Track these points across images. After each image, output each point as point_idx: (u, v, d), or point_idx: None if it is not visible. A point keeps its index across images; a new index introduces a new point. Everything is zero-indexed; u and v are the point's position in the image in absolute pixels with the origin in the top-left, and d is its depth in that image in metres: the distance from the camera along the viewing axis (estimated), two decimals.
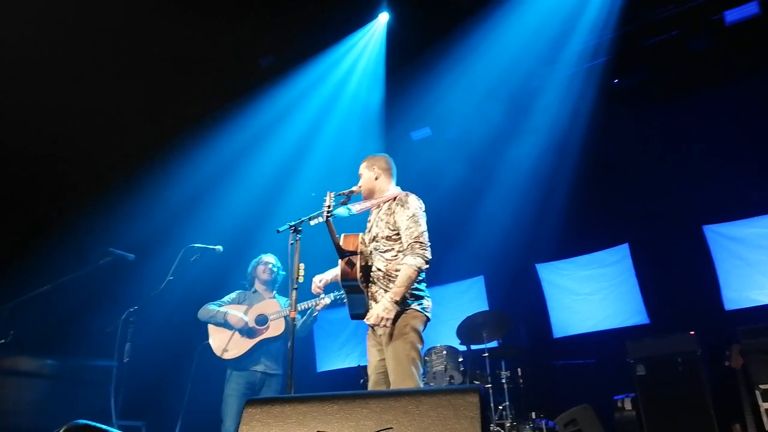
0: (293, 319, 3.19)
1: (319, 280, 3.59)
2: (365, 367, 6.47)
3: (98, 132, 5.95)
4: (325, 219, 3.18)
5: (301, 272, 3.23)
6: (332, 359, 7.95)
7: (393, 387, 3.15)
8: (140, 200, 6.17)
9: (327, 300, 4.28)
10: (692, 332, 5.06)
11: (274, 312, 4.65)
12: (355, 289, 3.36)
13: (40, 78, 5.51)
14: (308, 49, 6.47)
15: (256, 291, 4.86)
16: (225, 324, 4.55)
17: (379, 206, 3.55)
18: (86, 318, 5.26)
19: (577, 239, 6.76)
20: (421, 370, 3.27)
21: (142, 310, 4.19)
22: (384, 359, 3.27)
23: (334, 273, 3.56)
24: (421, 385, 3.31)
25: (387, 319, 3.13)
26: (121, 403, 3.93)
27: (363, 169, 3.63)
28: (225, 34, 5.82)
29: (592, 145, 6.47)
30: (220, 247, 4.61)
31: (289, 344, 3.15)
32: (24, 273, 4.84)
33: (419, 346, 3.22)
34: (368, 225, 3.60)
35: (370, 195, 3.56)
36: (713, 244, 5.95)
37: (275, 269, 4.88)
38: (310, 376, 7.85)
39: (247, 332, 4.56)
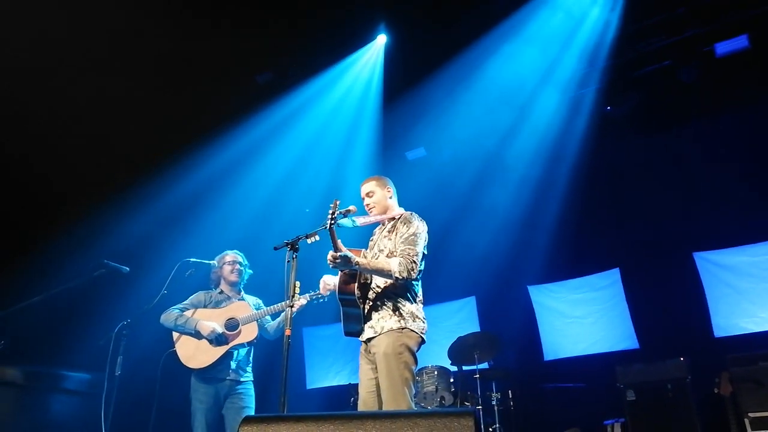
0: (288, 337, 3.18)
1: (325, 283, 3.53)
2: (356, 385, 6.45)
3: (93, 143, 5.93)
4: (328, 227, 3.13)
5: (297, 290, 3.22)
6: (322, 376, 7.91)
7: (385, 406, 3.14)
8: (136, 213, 6.16)
9: (303, 300, 4.09)
10: (682, 358, 5.10)
11: (245, 315, 4.33)
12: (352, 304, 3.35)
13: (32, 86, 5.46)
14: (306, 68, 6.54)
15: (222, 292, 4.53)
16: (195, 334, 4.24)
17: (383, 224, 3.58)
18: (79, 330, 5.22)
19: (568, 262, 6.82)
20: (414, 391, 3.27)
21: (135, 323, 4.16)
22: (375, 378, 3.26)
23: None
24: (413, 406, 3.30)
25: (333, 259, 3.13)
26: (112, 416, 3.88)
27: (374, 186, 3.61)
28: (223, 49, 5.87)
29: (585, 171, 6.56)
30: (215, 262, 4.55)
31: (283, 362, 3.11)
32: (16, 283, 4.81)
33: (413, 366, 3.21)
34: (371, 243, 3.63)
35: (383, 212, 3.58)
36: (703, 271, 6.02)
37: (242, 268, 4.57)
38: (300, 393, 7.80)
39: (217, 339, 4.23)
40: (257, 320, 4.36)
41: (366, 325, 3.34)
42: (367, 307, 3.35)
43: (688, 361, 5.10)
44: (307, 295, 4.10)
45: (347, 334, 3.45)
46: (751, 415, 4.63)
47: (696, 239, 6.13)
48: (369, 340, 3.31)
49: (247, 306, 4.43)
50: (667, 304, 6.03)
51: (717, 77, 5.85)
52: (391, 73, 6.60)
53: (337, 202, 3.19)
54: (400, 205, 3.70)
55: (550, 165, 6.75)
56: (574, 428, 5.23)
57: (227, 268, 4.52)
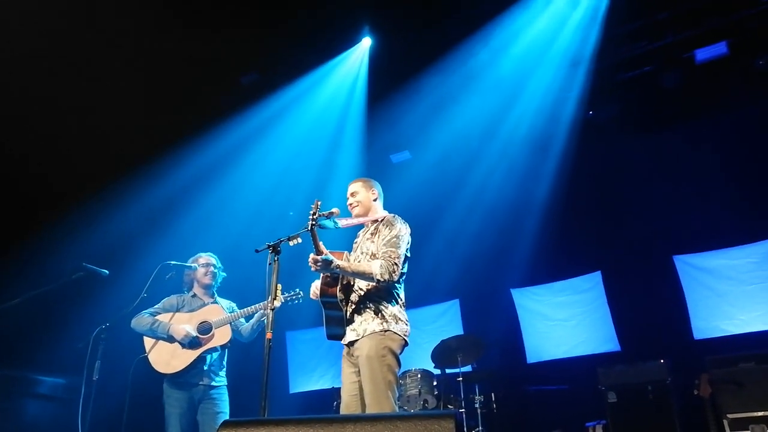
0: (269, 340, 3.14)
1: (317, 288, 3.45)
2: (339, 389, 6.43)
3: (71, 145, 5.84)
4: (309, 228, 3.09)
5: (279, 293, 3.19)
6: (305, 380, 7.87)
7: (368, 410, 3.12)
8: (115, 215, 6.09)
9: (276, 303, 3.97)
10: (662, 360, 5.15)
11: (219, 318, 4.24)
12: (334, 306, 3.33)
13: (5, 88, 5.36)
14: (291, 69, 6.52)
15: (195, 295, 4.43)
16: (168, 338, 4.16)
17: (367, 226, 3.56)
18: (56, 334, 5.13)
19: (551, 265, 6.87)
20: (397, 394, 3.25)
21: (114, 327, 4.09)
22: (358, 381, 3.24)
23: None
24: (396, 409, 3.29)
25: (315, 262, 3.13)
26: (89, 422, 3.81)
27: (359, 187, 3.58)
28: (208, 50, 5.82)
29: (568, 175, 6.62)
30: (195, 265, 4.49)
31: (264, 366, 3.07)
32: None
33: (396, 369, 3.20)
34: (354, 245, 3.61)
35: (365, 213, 3.55)
36: (683, 274, 6.10)
37: (216, 270, 4.47)
38: (283, 397, 7.75)
39: (189, 343, 4.14)
40: (230, 323, 4.28)
41: (348, 328, 3.32)
42: (349, 309, 3.33)
43: (669, 363, 5.15)
44: (281, 296, 4.01)
45: (329, 337, 3.42)
46: (729, 416, 4.68)
47: (676, 243, 6.21)
48: (351, 343, 3.29)
49: (220, 309, 4.34)
50: (648, 306, 6.09)
51: (698, 83, 5.94)
52: (376, 76, 6.61)
53: (318, 203, 3.17)
54: (385, 208, 3.69)
55: (533, 169, 6.80)
56: (557, 430, 5.26)
57: (201, 271, 4.42)
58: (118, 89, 5.84)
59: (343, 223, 3.44)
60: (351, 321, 3.31)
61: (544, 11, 5.98)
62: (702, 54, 5.78)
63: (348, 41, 6.50)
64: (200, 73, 6.01)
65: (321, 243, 3.15)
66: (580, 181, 6.69)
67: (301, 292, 3.99)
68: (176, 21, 5.52)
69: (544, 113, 6.58)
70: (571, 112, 6.49)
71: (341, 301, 3.31)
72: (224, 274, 4.55)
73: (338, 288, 3.30)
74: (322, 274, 3.32)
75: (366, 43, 6.50)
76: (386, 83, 6.56)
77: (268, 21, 5.89)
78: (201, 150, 6.50)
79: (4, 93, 5.25)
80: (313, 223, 3.11)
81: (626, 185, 6.64)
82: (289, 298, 4.09)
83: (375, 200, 3.57)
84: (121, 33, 5.55)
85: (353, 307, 3.32)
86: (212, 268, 4.45)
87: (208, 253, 4.54)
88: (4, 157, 5.68)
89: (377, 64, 6.55)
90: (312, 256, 3.16)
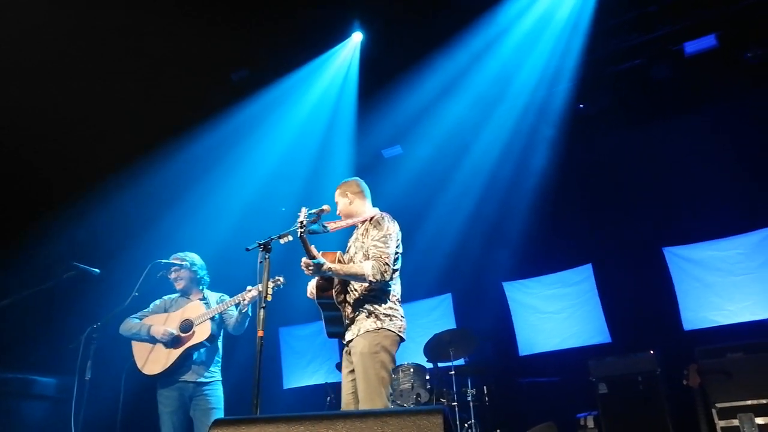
0: (261, 337, 3.16)
1: (313, 288, 3.52)
2: (332, 384, 6.50)
3: (61, 142, 5.81)
4: (299, 235, 3.13)
5: (270, 291, 3.21)
6: (299, 376, 7.89)
7: (361, 406, 3.16)
8: (106, 213, 6.06)
9: (254, 292, 4.02)
10: (652, 351, 5.20)
11: (199, 315, 4.24)
12: (331, 307, 3.39)
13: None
14: (281, 65, 6.50)
15: (181, 294, 4.48)
16: (150, 339, 4.21)
17: (357, 226, 3.62)
18: (48, 333, 5.13)
19: (542, 258, 6.91)
20: (391, 390, 3.29)
21: (106, 326, 4.10)
22: (355, 379, 3.29)
23: None
24: (389, 405, 3.32)
25: (307, 266, 3.21)
26: (82, 421, 3.82)
27: (337, 196, 3.69)
28: (198, 46, 5.80)
29: (558, 168, 6.64)
30: (187, 263, 4.49)
31: (256, 362, 3.09)
32: None
33: (390, 366, 3.25)
34: (348, 245, 3.67)
35: (349, 217, 3.62)
36: (672, 265, 6.14)
37: (189, 271, 4.41)
38: (277, 393, 7.77)
39: (172, 342, 4.18)
40: (216, 316, 4.28)
41: (346, 327, 3.39)
42: (345, 309, 3.40)
43: (658, 354, 5.21)
44: (258, 285, 4.00)
45: (330, 335, 3.50)
46: (718, 405, 4.75)
47: (666, 235, 6.26)
48: (349, 342, 3.36)
49: (200, 306, 4.34)
50: (638, 298, 6.14)
51: (687, 75, 5.96)
52: (367, 71, 6.60)
53: (304, 210, 3.20)
54: (376, 204, 3.73)
55: (523, 162, 6.82)
56: (549, 422, 5.30)
57: (171, 276, 4.44)
58: (108, 86, 5.81)
59: (332, 226, 3.49)
60: (348, 320, 3.38)
61: (535, 4, 5.99)
62: (691, 46, 5.81)
63: (338, 36, 6.49)
64: (190, 70, 5.98)
65: (312, 247, 3.20)
66: (570, 174, 6.72)
67: (280, 278, 3.94)
68: (165, 18, 5.48)
69: (534, 106, 6.60)
70: (561, 105, 6.51)
71: (337, 302, 3.38)
72: (204, 272, 4.50)
73: (333, 290, 3.37)
74: (316, 277, 3.38)
75: (357, 38, 6.49)
76: (377, 78, 6.56)
77: (257, 16, 5.87)
78: (192, 147, 6.48)
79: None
80: (302, 230, 3.13)
81: (616, 178, 6.67)
82: (274, 285, 4.03)
83: (351, 203, 3.62)
84: (111, 30, 5.51)
85: (349, 307, 3.39)
86: (182, 272, 4.41)
87: (183, 253, 4.48)
88: None
89: (368, 59, 6.54)
90: (304, 260, 3.22)
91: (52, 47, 5.36)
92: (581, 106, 6.51)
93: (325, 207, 3.41)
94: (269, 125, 6.85)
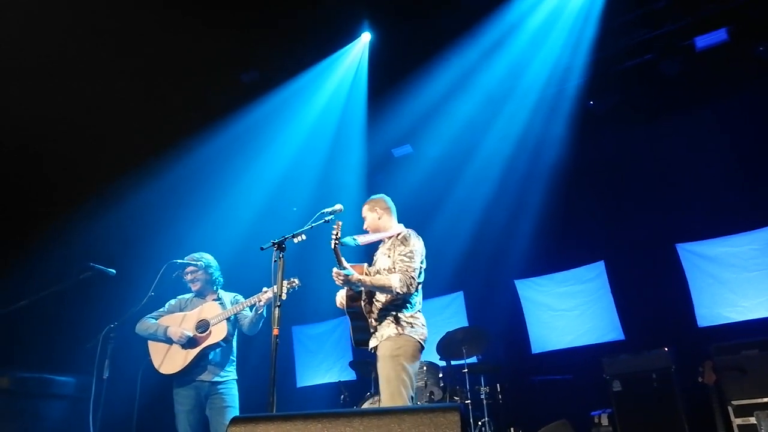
0: (276, 336, 3.19)
1: (342, 298, 3.71)
2: (345, 382, 6.52)
3: (75, 144, 5.86)
4: (332, 246, 3.35)
5: (284, 289, 3.25)
6: (312, 374, 7.93)
7: (382, 405, 3.31)
8: (122, 214, 6.12)
9: (270, 293, 4.01)
10: (666, 349, 5.18)
11: (215, 316, 4.28)
12: (359, 317, 3.59)
13: (8, 87, 5.37)
14: (291, 66, 6.54)
15: (196, 295, 4.50)
16: (166, 340, 4.25)
17: (383, 241, 3.80)
18: (66, 333, 5.19)
19: (554, 256, 6.88)
20: (412, 392, 3.38)
21: (122, 326, 4.15)
22: None
23: None
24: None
25: (338, 276, 3.42)
26: (101, 420, 3.87)
27: (366, 211, 3.89)
28: (208, 48, 5.84)
29: (569, 165, 6.62)
30: (202, 263, 4.52)
31: (272, 361, 3.12)
32: (1, 287, 4.76)
33: (411, 371, 3.39)
34: (374, 258, 3.84)
35: (376, 232, 3.82)
36: (686, 262, 6.10)
37: (203, 272, 4.43)
38: (290, 391, 7.81)
39: (188, 343, 4.22)
40: (232, 317, 4.31)
41: (371, 335, 3.58)
42: (371, 318, 3.59)
43: (673, 351, 5.18)
44: (275, 287, 4.05)
45: (357, 343, 3.68)
46: (734, 402, 4.71)
47: (679, 231, 6.21)
48: (375, 348, 3.54)
49: (216, 306, 4.37)
50: (652, 295, 6.11)
51: (698, 70, 5.92)
52: (377, 71, 6.62)
53: (340, 224, 3.40)
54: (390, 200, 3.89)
55: (534, 159, 6.80)
56: (562, 420, 5.28)
57: (187, 278, 4.46)
58: (120, 88, 5.86)
59: (362, 240, 3.73)
60: (373, 329, 3.58)
61: (543, 1, 5.97)
62: (702, 41, 5.77)
63: (347, 36, 6.52)
64: (201, 73, 6.04)
65: (343, 259, 3.43)
66: (581, 171, 6.70)
67: (295, 280, 3.98)
68: (175, 20, 5.53)
69: (544, 104, 6.59)
70: (571, 103, 6.49)
71: (365, 311, 3.58)
72: (218, 273, 4.52)
73: (362, 300, 3.58)
74: (346, 287, 3.58)
75: (366, 37, 6.52)
76: (386, 78, 6.58)
77: (267, 18, 5.90)
78: (205, 148, 6.53)
79: (4, 94, 5.29)
80: (336, 242, 3.36)
81: (628, 174, 6.64)
82: (289, 286, 4.05)
83: (380, 218, 3.82)
84: (121, 31, 5.56)
85: (374, 316, 3.59)
86: (198, 273, 4.43)
87: (198, 254, 4.50)
88: (9, 158, 5.71)
89: (377, 58, 6.57)
90: (335, 270, 3.43)
91: (64, 50, 5.41)
92: (591, 103, 6.48)
93: (337, 206, 3.55)
94: (280, 126, 6.89)
